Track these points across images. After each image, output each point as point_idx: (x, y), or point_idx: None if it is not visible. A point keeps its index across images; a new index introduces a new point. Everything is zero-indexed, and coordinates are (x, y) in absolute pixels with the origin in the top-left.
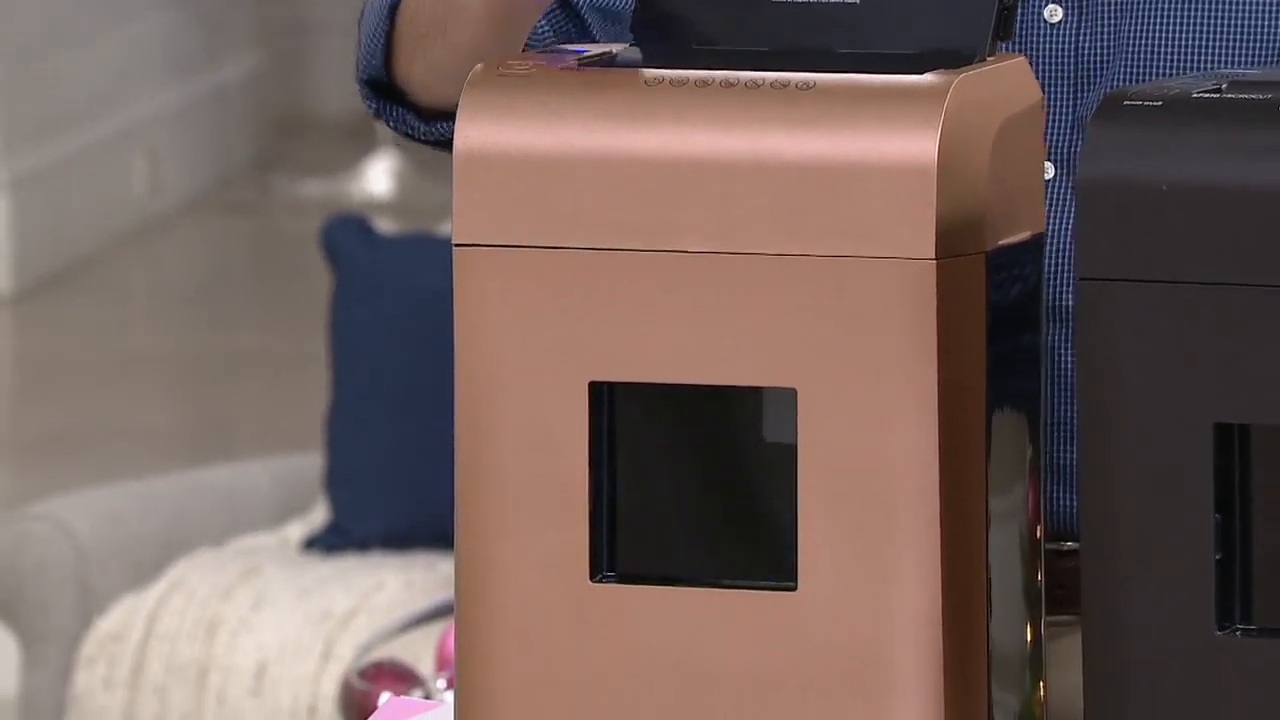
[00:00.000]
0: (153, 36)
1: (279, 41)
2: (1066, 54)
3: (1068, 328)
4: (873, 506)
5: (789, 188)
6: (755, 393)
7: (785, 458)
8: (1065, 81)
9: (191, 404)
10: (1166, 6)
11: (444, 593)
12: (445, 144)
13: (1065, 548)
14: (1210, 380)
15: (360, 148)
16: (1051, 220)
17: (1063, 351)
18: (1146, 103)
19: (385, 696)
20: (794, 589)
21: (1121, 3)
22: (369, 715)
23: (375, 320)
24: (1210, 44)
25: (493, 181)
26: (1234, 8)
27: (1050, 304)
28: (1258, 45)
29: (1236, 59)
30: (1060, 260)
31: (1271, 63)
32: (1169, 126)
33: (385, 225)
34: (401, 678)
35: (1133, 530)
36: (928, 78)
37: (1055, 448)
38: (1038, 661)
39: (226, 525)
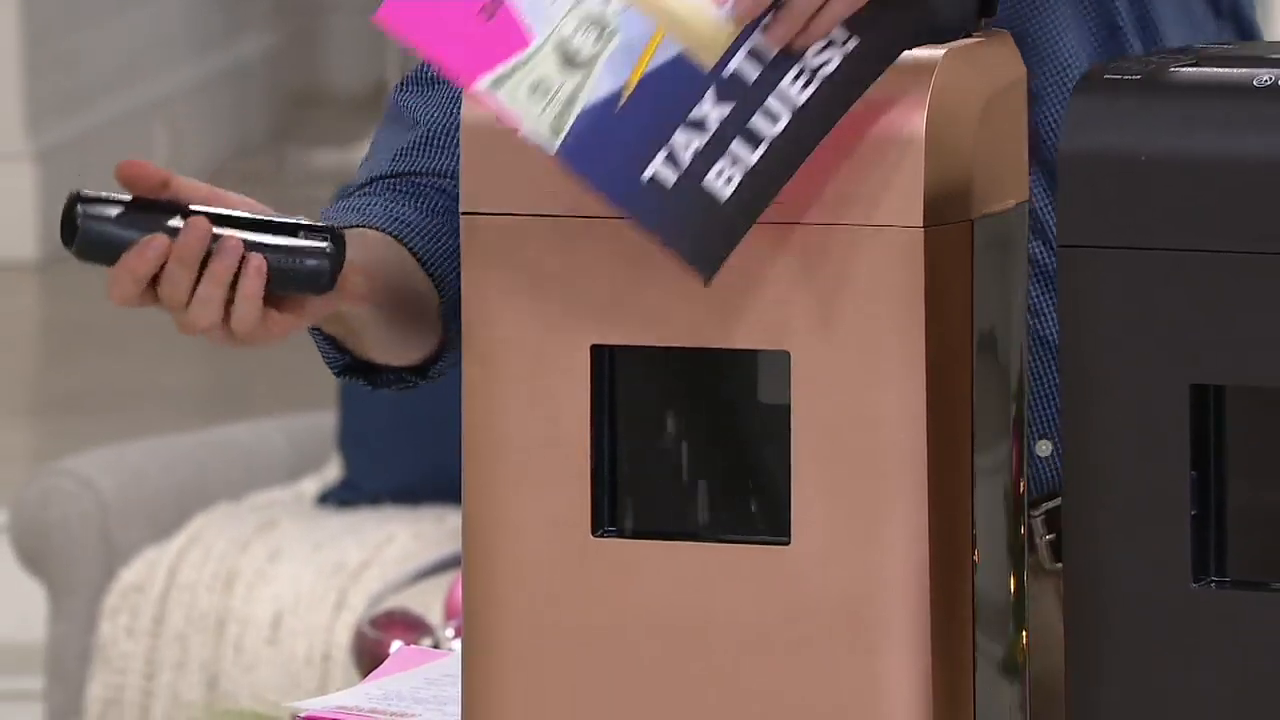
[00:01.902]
0: (173, 13)
1: (295, 18)
2: None
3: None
4: (863, 464)
5: None
6: (750, 356)
7: (779, 418)
8: None
9: (210, 365)
10: None
11: (452, 545)
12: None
13: None
14: (1186, 343)
15: (372, 120)
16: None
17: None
18: (1125, 76)
19: (396, 645)
20: (787, 544)
21: None
22: (380, 663)
23: None
24: None
25: (499, 152)
26: None
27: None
28: None
29: None
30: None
31: None
32: (1147, 99)
33: None
34: (411, 627)
35: (1112, 487)
36: (916, 53)
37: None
38: (1020, 611)
39: (244, 481)
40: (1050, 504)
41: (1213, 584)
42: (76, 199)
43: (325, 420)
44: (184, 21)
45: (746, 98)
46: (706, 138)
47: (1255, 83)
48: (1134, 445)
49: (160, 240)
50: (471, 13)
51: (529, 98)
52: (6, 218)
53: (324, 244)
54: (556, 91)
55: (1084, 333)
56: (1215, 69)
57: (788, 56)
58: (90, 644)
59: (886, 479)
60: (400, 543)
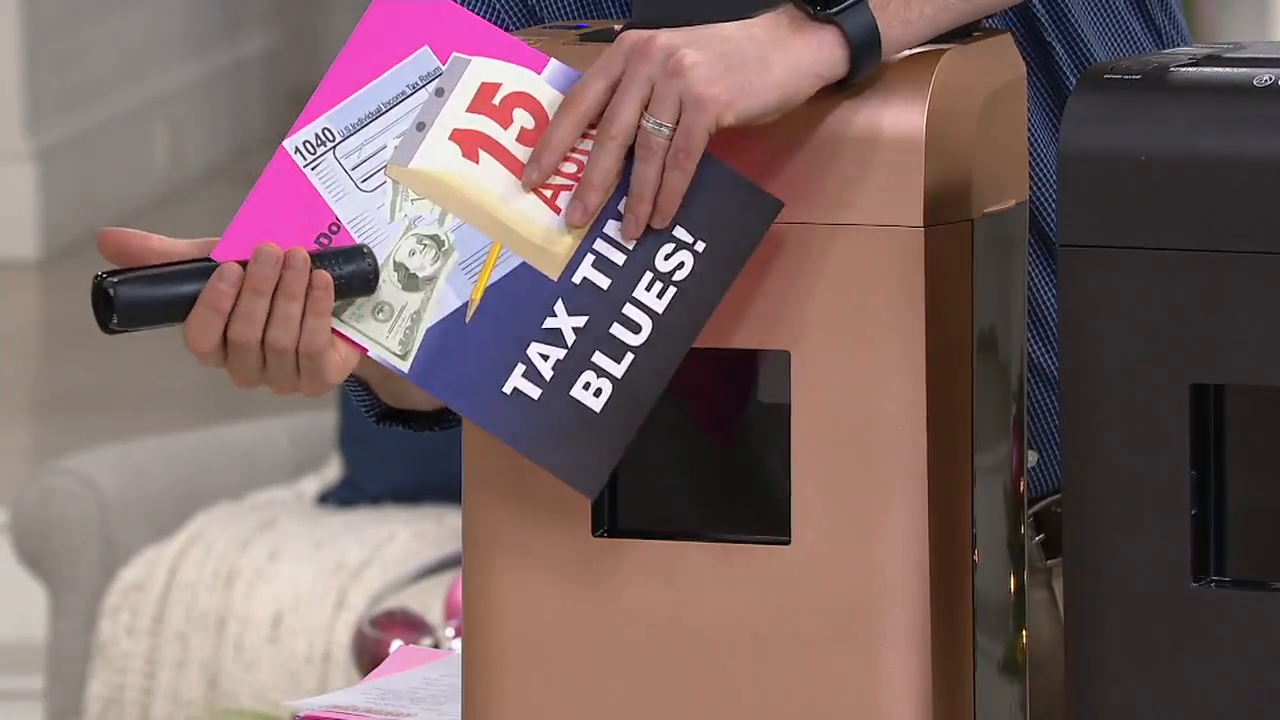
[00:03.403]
0: (174, 12)
1: (296, 17)
2: None
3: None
4: (863, 464)
5: (782, 159)
6: (751, 355)
7: (779, 417)
8: None
9: None
10: None
11: (453, 544)
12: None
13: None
14: (1187, 343)
15: None
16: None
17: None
18: (1126, 76)
19: (396, 644)
20: (788, 543)
21: None
22: (381, 662)
23: None
24: None
25: None
26: None
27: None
28: None
29: None
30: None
31: None
32: (1147, 99)
33: None
34: (412, 626)
35: (1113, 487)
36: (916, 53)
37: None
38: (1020, 610)
39: (245, 480)
40: (1038, 506)
41: (1213, 584)
42: (99, 278)
43: (326, 420)
44: (184, 21)
45: (601, 307)
46: (565, 350)
47: (1255, 83)
48: (1134, 445)
49: (233, 269)
50: (308, 240)
51: (374, 322)
52: (6, 217)
53: (357, 247)
54: (400, 312)
55: (1084, 333)
56: (1215, 69)
57: (638, 263)
58: (90, 643)
59: (886, 479)
60: (400, 542)
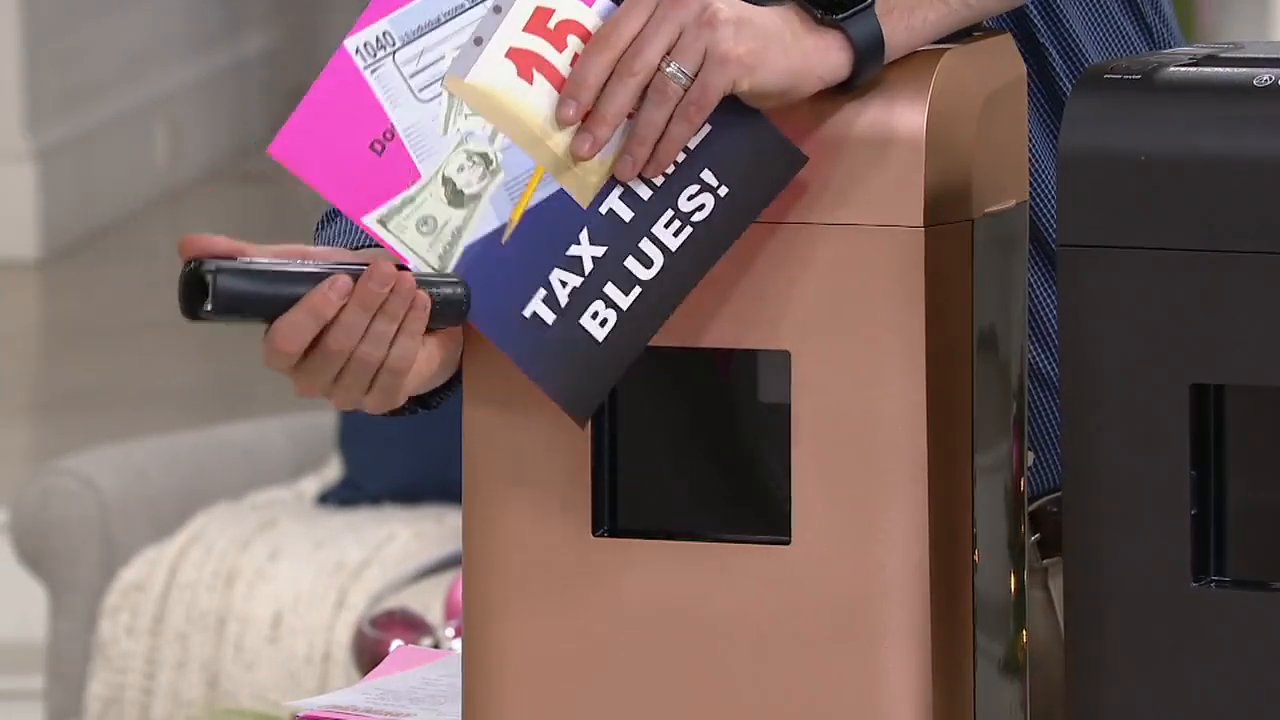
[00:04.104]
0: (174, 11)
1: (296, 17)
2: None
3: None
4: (863, 464)
5: None
6: (751, 355)
7: (779, 417)
8: None
9: (212, 364)
10: None
11: (453, 544)
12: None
13: None
14: (1187, 343)
15: None
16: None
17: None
18: (1125, 76)
19: (396, 644)
20: (788, 543)
21: None
22: (381, 662)
23: None
24: None
25: None
26: None
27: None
28: None
29: None
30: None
31: None
32: (1147, 99)
33: None
34: (412, 626)
35: (1113, 486)
36: (917, 53)
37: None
38: (1021, 610)
39: (245, 480)
40: (1034, 506)
41: (1213, 584)
42: (195, 264)
43: (325, 420)
44: (184, 21)
45: (621, 239)
46: (582, 279)
47: (1255, 83)
48: (1134, 445)
49: (345, 281)
50: (363, 147)
51: (416, 234)
52: (6, 217)
53: (451, 276)
54: (443, 227)
55: (1084, 333)
56: (1215, 69)
57: (661, 199)
58: (90, 643)
59: (887, 478)
60: (400, 542)
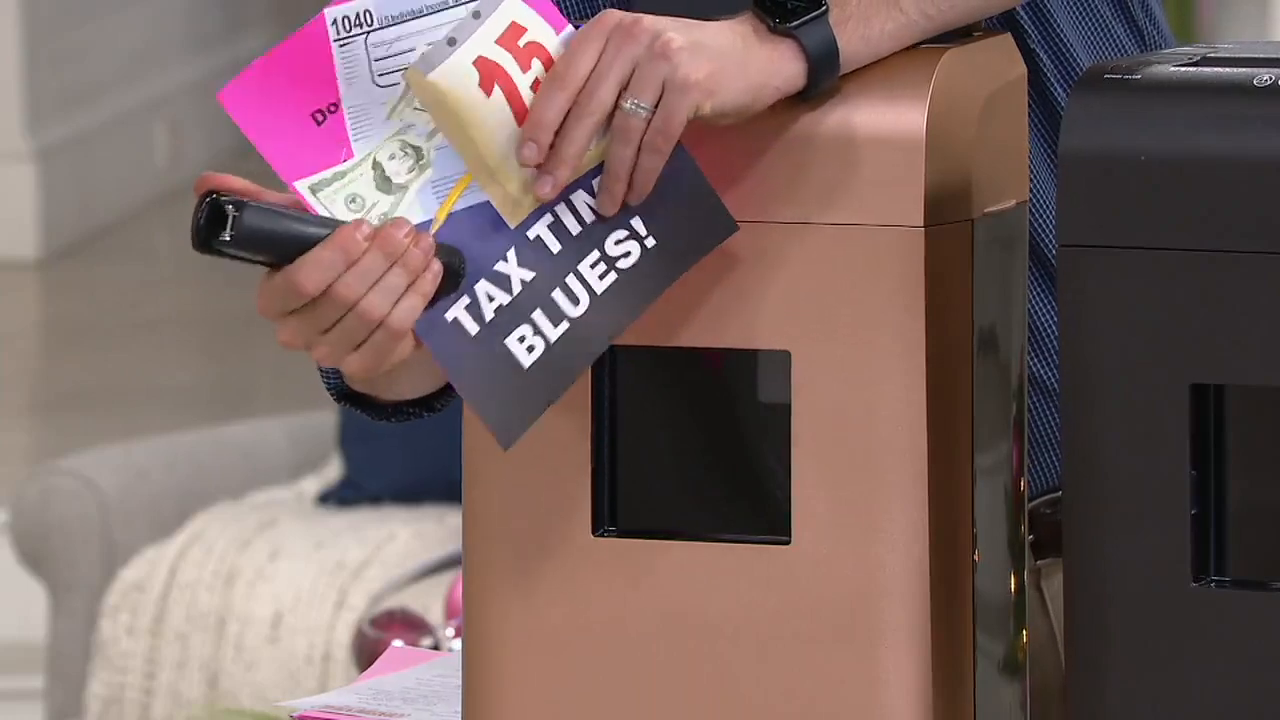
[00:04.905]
0: (174, 11)
1: (296, 17)
2: None
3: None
4: (864, 463)
5: (782, 157)
6: (751, 355)
7: (780, 417)
8: None
9: (212, 364)
10: None
11: (453, 544)
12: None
13: None
14: (1187, 343)
15: None
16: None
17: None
18: (1125, 76)
19: (397, 644)
20: (788, 543)
21: None
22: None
23: None
24: None
25: None
26: None
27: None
28: None
29: None
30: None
31: None
32: (1147, 99)
33: None
34: (412, 626)
35: (1113, 487)
36: (916, 52)
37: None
38: (1021, 610)
39: (245, 480)
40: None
41: (1213, 584)
42: (214, 197)
43: (326, 419)
44: (184, 21)
45: (549, 269)
46: (509, 297)
47: (1255, 83)
48: (1134, 445)
49: (369, 226)
50: (305, 114)
51: (345, 208)
52: (6, 217)
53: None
54: (372, 207)
55: (1084, 333)
56: (1215, 69)
57: (589, 238)
58: (91, 643)
59: (887, 478)
60: (400, 542)
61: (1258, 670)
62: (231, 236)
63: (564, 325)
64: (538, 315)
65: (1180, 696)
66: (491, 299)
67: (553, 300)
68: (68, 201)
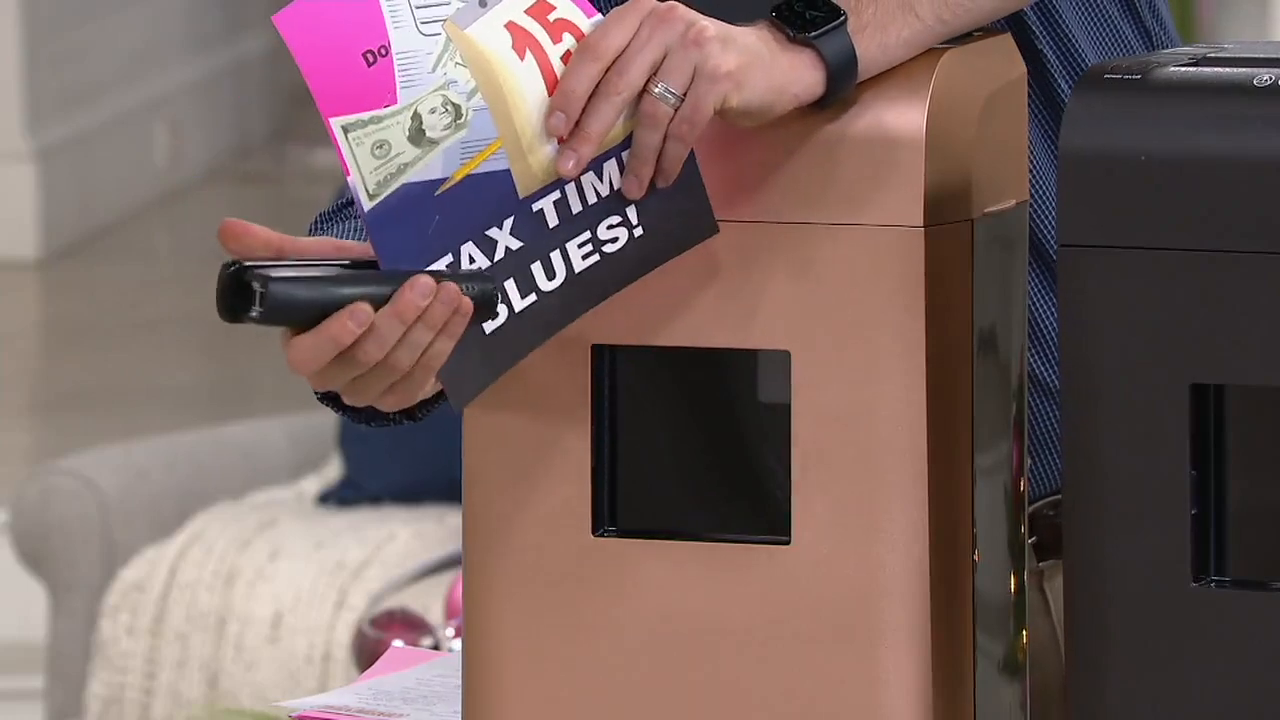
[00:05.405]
0: (174, 11)
1: None
2: None
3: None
4: (863, 464)
5: (783, 157)
6: (750, 355)
7: (780, 417)
8: None
9: (212, 364)
10: None
11: (453, 544)
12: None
13: None
14: (1187, 343)
15: None
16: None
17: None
18: (1126, 76)
19: (397, 644)
20: (788, 543)
21: None
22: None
23: None
24: None
25: None
26: None
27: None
28: None
29: None
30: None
31: None
32: (1148, 99)
33: None
34: (412, 626)
35: (1113, 487)
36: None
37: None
38: (1021, 610)
39: (245, 480)
40: (1030, 508)
41: (1213, 584)
42: (238, 267)
43: (326, 419)
44: (184, 21)
45: (537, 241)
46: (490, 263)
47: (1255, 83)
48: (1134, 445)
49: (363, 310)
50: (357, 52)
51: (369, 153)
52: (6, 217)
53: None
54: (394, 157)
55: (1084, 333)
56: (1215, 69)
57: (586, 218)
58: (91, 643)
59: (886, 479)
60: (401, 542)
61: (1258, 670)
62: (260, 313)
63: (531, 298)
64: (509, 285)
65: (1180, 696)
66: (472, 261)
67: (530, 271)
68: (68, 201)
